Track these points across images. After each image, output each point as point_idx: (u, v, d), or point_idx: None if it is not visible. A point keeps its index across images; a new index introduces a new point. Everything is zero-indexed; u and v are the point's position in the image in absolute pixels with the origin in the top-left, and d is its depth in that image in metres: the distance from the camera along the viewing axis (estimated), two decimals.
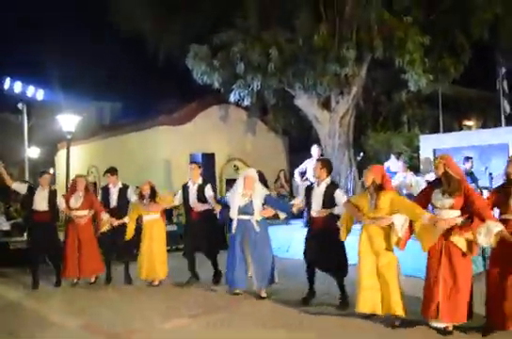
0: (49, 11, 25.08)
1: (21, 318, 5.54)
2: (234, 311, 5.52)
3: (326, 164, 5.74)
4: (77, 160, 17.05)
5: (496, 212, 4.54)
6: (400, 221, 4.55)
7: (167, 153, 13.74)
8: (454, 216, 4.40)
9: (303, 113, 12.65)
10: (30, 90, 15.75)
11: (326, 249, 5.33)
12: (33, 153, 19.79)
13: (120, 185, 7.27)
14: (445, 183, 4.47)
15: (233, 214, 5.95)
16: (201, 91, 13.87)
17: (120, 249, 7.12)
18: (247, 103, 12.06)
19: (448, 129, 14.40)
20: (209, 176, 11.25)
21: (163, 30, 12.61)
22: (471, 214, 4.34)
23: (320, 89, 11.06)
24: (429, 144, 10.60)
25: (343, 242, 5.28)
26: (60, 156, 19.65)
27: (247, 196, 5.94)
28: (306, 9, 10.93)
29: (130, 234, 6.94)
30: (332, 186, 5.62)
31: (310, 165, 9.61)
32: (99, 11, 13.27)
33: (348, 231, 5.12)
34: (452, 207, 4.41)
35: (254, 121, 15.50)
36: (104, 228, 6.92)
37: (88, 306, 6.00)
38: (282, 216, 6.18)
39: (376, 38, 10.28)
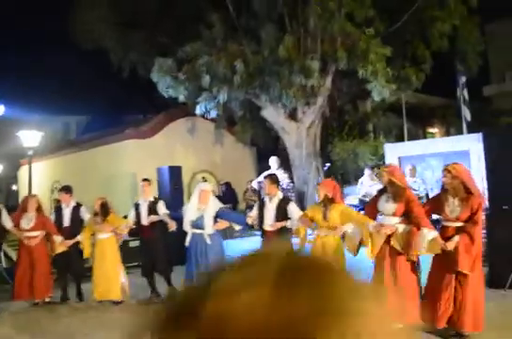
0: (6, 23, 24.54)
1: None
2: None
3: (274, 180, 6.01)
4: (41, 176, 16.70)
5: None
6: (352, 230, 5.05)
7: (134, 167, 13.54)
8: (395, 222, 4.75)
9: (270, 124, 12.72)
10: None
11: None
12: None
13: (73, 204, 7.09)
14: (390, 190, 4.84)
15: (187, 227, 6.11)
16: (168, 104, 13.88)
17: (74, 268, 6.94)
18: (213, 115, 12.07)
19: (413, 137, 14.71)
20: (176, 189, 11.17)
21: (125, 45, 12.53)
22: (410, 221, 4.69)
23: (286, 101, 11.16)
24: (394, 152, 10.79)
25: None
26: (23, 172, 19.15)
27: (200, 210, 6.06)
28: (271, 21, 11.05)
29: (87, 252, 6.75)
30: (285, 201, 5.90)
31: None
32: (60, 24, 13.08)
33: (305, 240, 5.49)
34: (394, 213, 4.78)
35: (221, 132, 15.46)
36: (59, 250, 6.76)
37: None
38: (237, 227, 6.30)
39: (339, 49, 10.46)
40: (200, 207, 6.06)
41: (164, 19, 11.91)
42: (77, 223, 7.01)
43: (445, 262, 4.50)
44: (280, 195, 5.93)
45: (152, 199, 6.83)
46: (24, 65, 19.18)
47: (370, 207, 5.15)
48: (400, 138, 14.58)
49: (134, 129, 14.31)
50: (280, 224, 5.71)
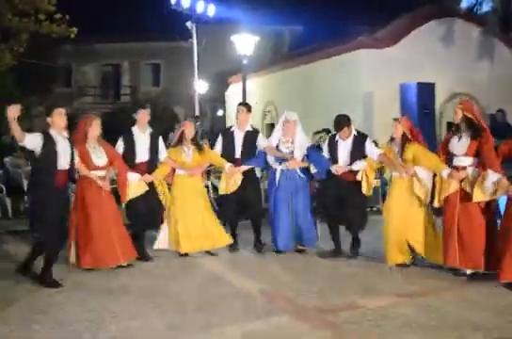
0: None
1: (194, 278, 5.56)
2: None
3: None
4: (251, 97, 17.10)
5: None
6: (426, 176, 5.73)
7: (367, 84, 12.99)
8: (467, 163, 5.45)
9: None
10: (200, 6, 15.84)
11: (350, 204, 6.22)
12: (201, 87, 20.32)
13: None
14: (463, 127, 5.48)
15: (274, 163, 6.59)
16: (413, 2, 13.15)
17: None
18: (485, 9, 10.54)
19: None
20: (426, 114, 10.34)
21: None
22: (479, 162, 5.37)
23: None
24: None
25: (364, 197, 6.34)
26: (231, 93, 20.04)
27: (288, 143, 6.55)
28: None
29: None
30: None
31: None
32: None
33: (370, 185, 6.25)
34: (466, 153, 5.45)
35: (492, 41, 13.91)
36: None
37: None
38: (314, 170, 6.54)
39: None
40: (287, 140, 6.55)
41: None
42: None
43: None
44: None
45: (249, 128, 6.84)
46: None
47: (441, 149, 5.76)
48: None
49: (368, 36, 13.64)
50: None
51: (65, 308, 4.57)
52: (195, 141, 6.69)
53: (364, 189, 6.19)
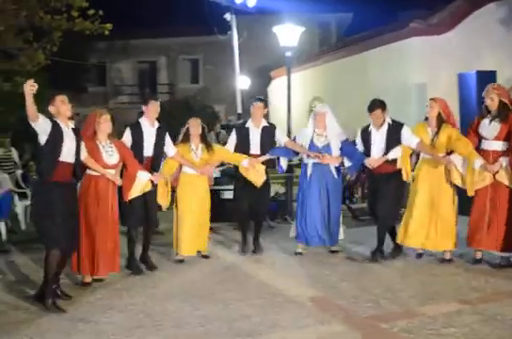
0: None
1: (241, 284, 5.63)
2: None
3: None
4: (296, 91, 17.04)
5: None
6: (460, 162, 5.94)
7: (421, 74, 12.88)
8: (498, 147, 5.81)
9: None
10: None
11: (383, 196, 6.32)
12: (243, 83, 20.32)
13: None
14: (495, 111, 5.78)
15: (306, 157, 6.71)
16: None
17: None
18: None
19: None
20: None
21: None
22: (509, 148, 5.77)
23: None
24: None
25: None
26: (273, 88, 20.05)
27: (322, 136, 6.64)
28: None
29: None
30: None
31: None
32: None
33: (408, 171, 6.35)
34: (497, 137, 5.77)
35: None
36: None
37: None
38: (347, 164, 6.66)
39: None
40: (321, 133, 6.65)
41: None
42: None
43: None
44: None
45: (265, 123, 6.91)
46: None
47: (471, 134, 6.02)
48: None
49: (421, 22, 13.42)
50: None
51: (108, 315, 4.64)
52: (203, 139, 6.66)
53: (404, 176, 6.29)
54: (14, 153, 9.84)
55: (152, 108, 6.18)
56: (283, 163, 7.06)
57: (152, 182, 5.93)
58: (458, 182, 6.00)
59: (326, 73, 16.82)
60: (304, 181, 6.75)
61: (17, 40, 11.55)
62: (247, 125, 6.92)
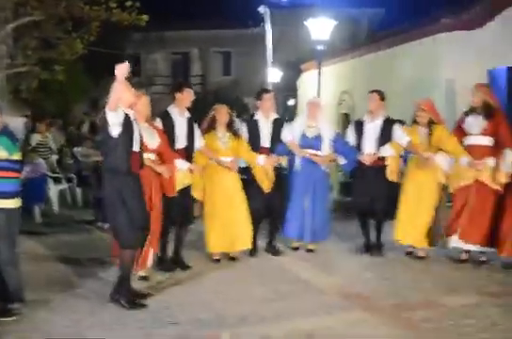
0: None
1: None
2: None
3: None
4: (325, 85, 16.96)
5: None
6: (446, 163, 6.00)
7: (451, 70, 12.55)
8: (482, 142, 5.85)
9: None
10: None
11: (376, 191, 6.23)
12: (274, 76, 20.26)
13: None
14: (480, 108, 5.86)
15: (296, 148, 6.35)
16: None
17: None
18: None
19: None
20: None
21: None
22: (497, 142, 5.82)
23: None
24: None
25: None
26: (304, 80, 19.94)
27: (313, 128, 6.41)
28: None
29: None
30: None
31: None
32: None
33: (394, 171, 6.27)
34: (483, 132, 5.83)
35: None
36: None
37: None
38: (342, 161, 6.52)
39: None
40: (311, 124, 6.41)
41: None
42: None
43: None
44: None
45: (276, 116, 6.61)
46: None
47: (457, 130, 6.08)
48: None
49: (451, 18, 13.13)
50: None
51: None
52: (231, 127, 6.16)
53: (388, 174, 6.23)
54: (50, 139, 10.07)
55: (187, 97, 5.73)
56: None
57: (191, 171, 5.60)
58: (443, 180, 6.05)
59: (355, 68, 16.66)
60: (292, 174, 6.46)
61: (57, 29, 11.71)
62: (256, 118, 6.48)
